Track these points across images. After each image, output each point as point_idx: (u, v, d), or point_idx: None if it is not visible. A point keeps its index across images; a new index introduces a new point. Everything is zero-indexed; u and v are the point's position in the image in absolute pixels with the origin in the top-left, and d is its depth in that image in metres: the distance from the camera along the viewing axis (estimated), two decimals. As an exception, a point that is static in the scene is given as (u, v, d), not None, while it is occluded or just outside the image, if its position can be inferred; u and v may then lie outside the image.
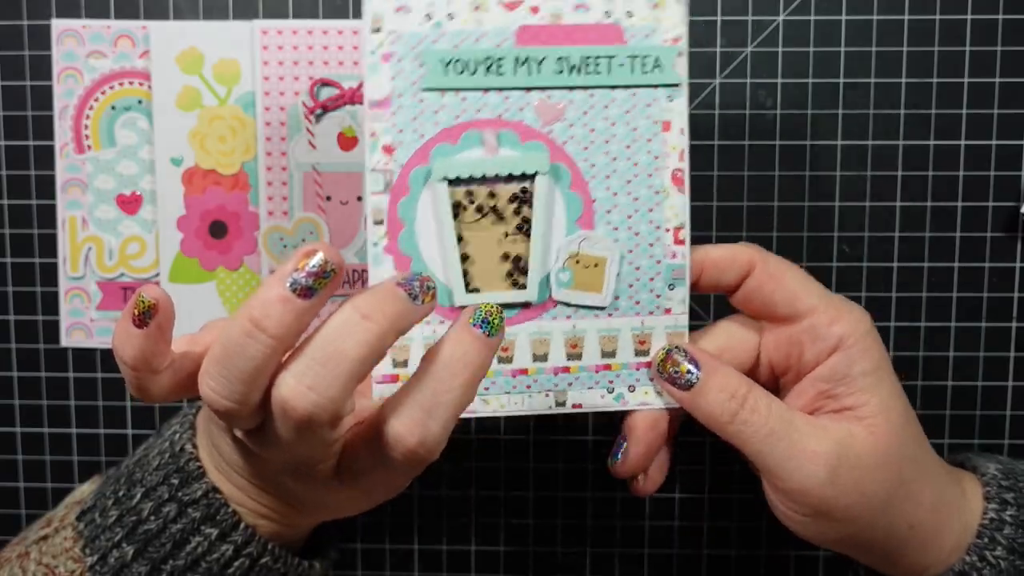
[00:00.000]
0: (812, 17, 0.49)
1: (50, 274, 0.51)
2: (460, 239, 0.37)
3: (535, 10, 0.37)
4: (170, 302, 0.33)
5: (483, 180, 0.37)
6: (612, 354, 0.39)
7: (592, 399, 0.39)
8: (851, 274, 0.50)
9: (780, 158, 0.49)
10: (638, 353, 0.39)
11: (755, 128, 0.49)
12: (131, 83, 0.50)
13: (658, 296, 0.38)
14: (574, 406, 0.39)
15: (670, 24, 0.37)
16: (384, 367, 0.37)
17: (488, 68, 0.36)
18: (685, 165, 0.38)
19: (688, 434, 0.51)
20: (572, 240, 0.38)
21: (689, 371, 0.37)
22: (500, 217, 0.38)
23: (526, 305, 0.38)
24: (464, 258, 0.37)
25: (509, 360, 0.38)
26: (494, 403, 0.38)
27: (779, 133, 0.49)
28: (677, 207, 0.38)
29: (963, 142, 0.49)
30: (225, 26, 0.50)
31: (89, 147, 0.51)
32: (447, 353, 0.33)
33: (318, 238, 0.50)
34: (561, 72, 0.37)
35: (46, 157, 0.51)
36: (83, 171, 0.51)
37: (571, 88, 0.37)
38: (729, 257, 0.38)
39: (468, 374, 0.33)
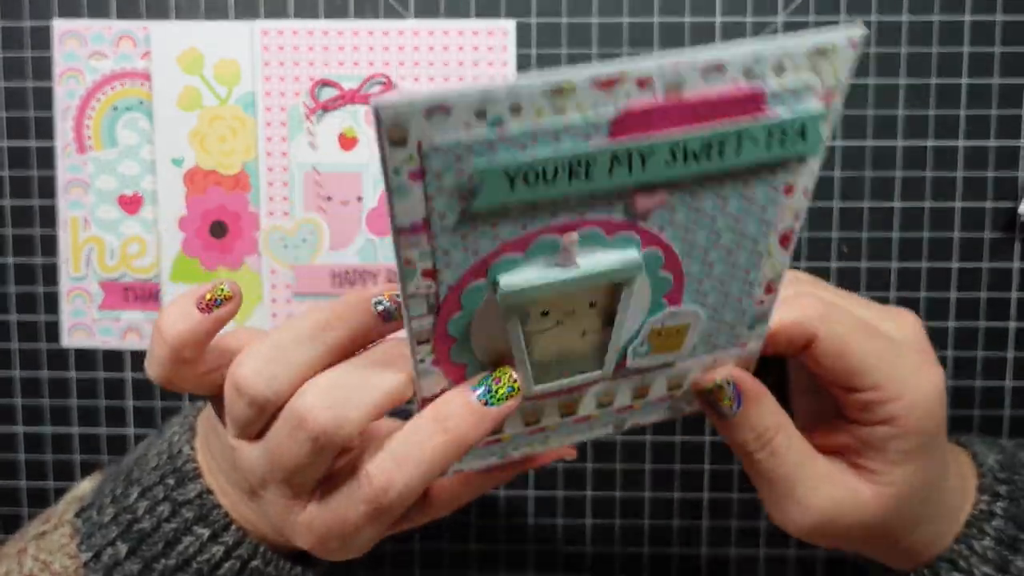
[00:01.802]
0: (812, 17, 0.49)
1: (52, 274, 0.52)
2: (528, 343, 0.31)
3: (644, 83, 0.25)
4: (239, 303, 0.34)
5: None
6: (678, 386, 0.36)
7: (649, 418, 0.37)
8: (851, 274, 0.50)
9: (779, 158, 0.49)
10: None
11: (755, 128, 0.49)
12: (132, 83, 0.50)
13: (737, 336, 0.34)
14: (632, 424, 0.37)
15: (831, 75, 0.27)
16: None
17: (572, 172, 0.26)
18: (798, 224, 0.30)
19: (688, 434, 0.51)
20: (657, 319, 0.32)
21: (730, 407, 0.35)
22: (576, 320, 0.31)
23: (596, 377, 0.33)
24: (532, 360, 0.31)
25: (573, 413, 0.35)
26: (553, 443, 0.36)
27: (778, 133, 0.49)
28: (777, 265, 0.32)
29: (961, 142, 0.49)
30: (225, 26, 0.50)
31: (90, 147, 0.51)
32: (434, 410, 0.32)
33: (319, 238, 0.50)
34: (673, 163, 0.26)
35: (47, 157, 0.51)
36: (84, 171, 0.51)
37: (682, 177, 0.27)
38: (788, 331, 0.35)
39: (445, 439, 0.31)
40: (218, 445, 0.38)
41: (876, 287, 0.50)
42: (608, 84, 0.24)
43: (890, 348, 0.35)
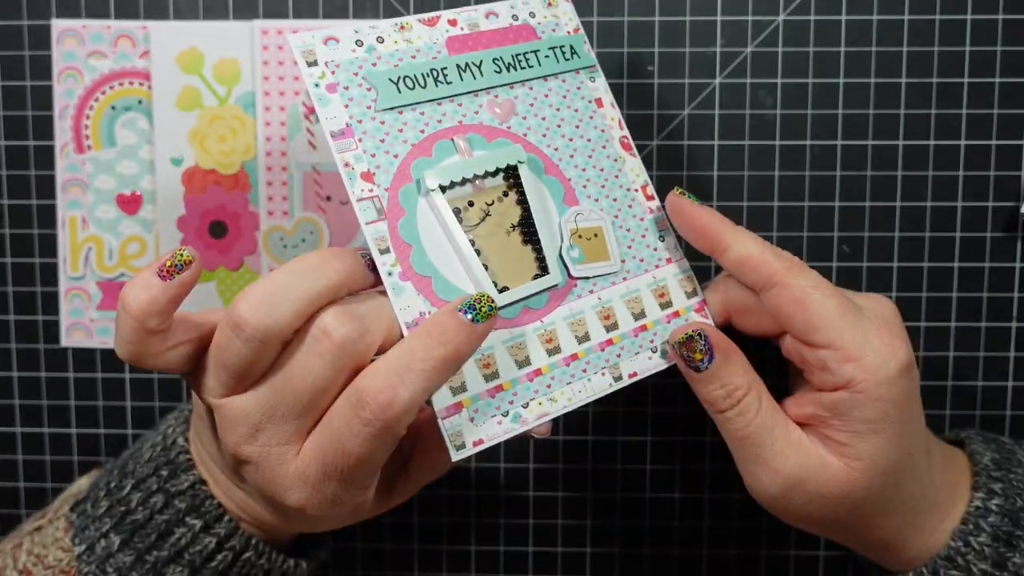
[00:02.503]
0: (812, 17, 0.49)
1: (50, 274, 0.51)
2: (472, 243, 0.37)
3: (453, 23, 0.40)
4: (199, 268, 0.34)
5: (473, 181, 0.38)
6: (642, 314, 0.40)
7: (643, 364, 0.40)
8: (851, 274, 0.50)
9: (780, 158, 0.49)
10: (663, 307, 0.41)
11: (755, 128, 0.49)
12: (131, 83, 0.50)
13: (655, 250, 0.41)
14: (630, 376, 0.39)
15: (566, 18, 0.42)
16: (443, 398, 0.36)
17: (436, 79, 0.38)
18: (626, 132, 0.42)
19: (688, 434, 0.51)
20: (567, 218, 0.39)
21: (702, 360, 0.37)
22: (500, 214, 0.38)
23: (553, 288, 0.38)
24: (487, 265, 0.37)
25: (558, 350, 0.38)
26: (561, 399, 0.38)
27: (779, 133, 0.49)
28: (636, 169, 0.42)
29: (963, 142, 0.49)
30: (225, 26, 0.50)
31: (89, 147, 0.51)
32: (427, 328, 0.33)
33: (318, 238, 0.50)
34: (500, 71, 0.40)
35: (46, 157, 0.51)
36: (83, 171, 0.51)
37: (512, 85, 0.40)
38: (755, 263, 0.37)
39: (445, 351, 0.33)
40: (204, 430, 0.38)
41: (877, 287, 0.50)
42: (431, 22, 0.39)
43: (851, 310, 0.36)
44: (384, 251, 0.35)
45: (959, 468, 0.40)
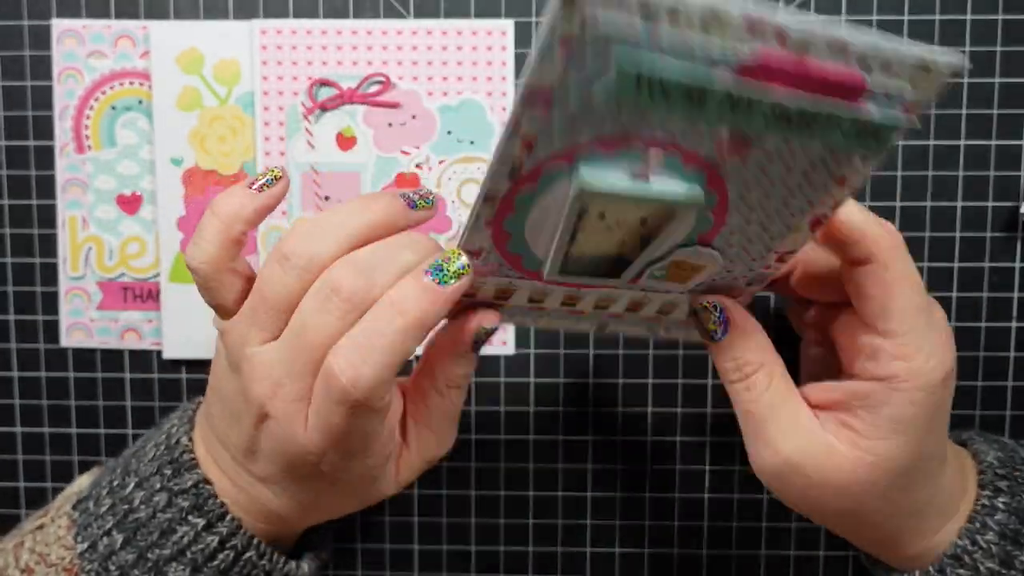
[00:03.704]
0: (812, 16, 0.49)
1: (50, 274, 0.52)
2: (573, 237, 0.33)
3: (780, 37, 0.27)
4: (287, 185, 0.37)
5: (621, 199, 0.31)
6: (666, 313, 0.39)
7: (633, 332, 0.40)
8: (851, 274, 0.50)
9: (780, 158, 0.49)
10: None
11: (755, 128, 0.49)
12: (131, 83, 0.50)
13: (734, 288, 0.38)
14: (611, 332, 0.39)
15: (921, 92, 0.28)
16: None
17: (689, 98, 0.28)
18: (831, 214, 0.33)
19: (688, 434, 0.51)
20: (684, 252, 0.34)
21: (715, 330, 0.37)
22: (622, 226, 0.33)
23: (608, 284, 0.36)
24: (569, 251, 0.34)
25: (572, 305, 0.38)
26: (543, 322, 0.38)
27: (779, 133, 0.49)
28: (799, 241, 0.34)
29: (963, 142, 0.49)
30: (225, 26, 0.50)
31: (89, 147, 0.51)
32: (389, 296, 0.33)
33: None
34: (770, 120, 0.29)
35: (46, 157, 0.51)
36: (83, 171, 0.51)
37: (771, 135, 0.29)
38: (855, 234, 0.35)
39: (404, 321, 0.32)
40: (217, 405, 0.38)
41: (877, 287, 0.50)
42: (755, 25, 0.27)
43: (926, 313, 0.36)
44: (489, 200, 0.32)
45: (965, 467, 0.40)
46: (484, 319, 0.37)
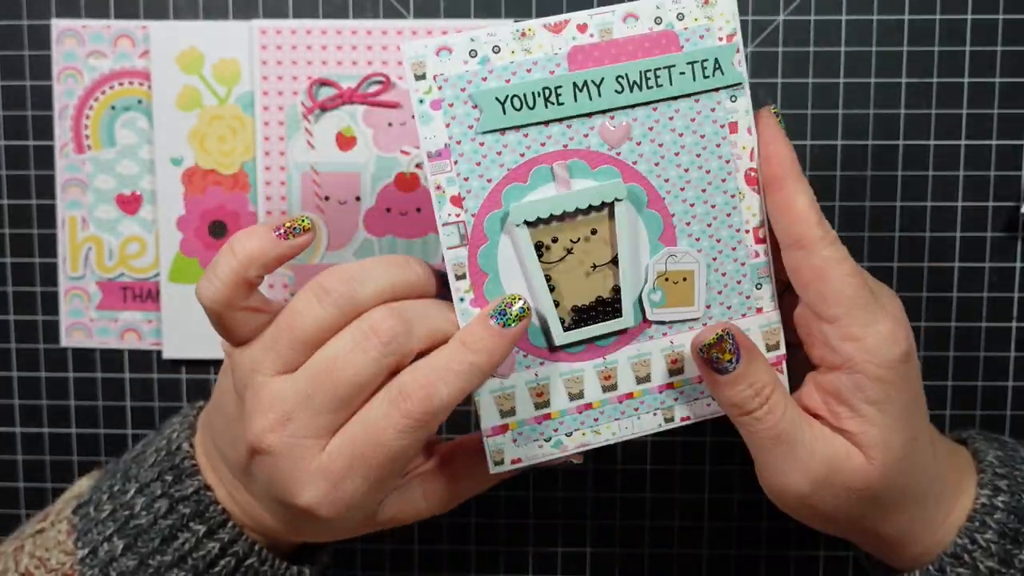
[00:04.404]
0: (812, 17, 0.49)
1: (50, 274, 0.52)
2: (548, 279, 0.36)
3: (583, 28, 0.35)
4: (313, 238, 0.36)
5: (562, 216, 0.36)
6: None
7: (699, 410, 0.39)
8: (851, 274, 0.50)
9: (780, 158, 0.49)
10: None
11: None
12: (131, 83, 0.50)
13: (747, 297, 0.38)
14: (682, 419, 0.39)
15: (723, 20, 0.36)
16: (492, 418, 0.37)
17: (547, 99, 0.35)
18: (756, 163, 0.37)
19: (687, 434, 0.51)
20: (658, 259, 0.37)
21: (730, 361, 0.36)
22: (585, 252, 0.36)
23: (623, 331, 0.37)
24: (555, 301, 0.36)
25: (614, 387, 0.38)
26: (605, 432, 0.38)
27: (779, 133, 0.49)
28: (754, 207, 0.37)
29: (963, 142, 0.49)
30: (225, 26, 0.50)
31: (89, 147, 0.51)
32: (462, 335, 0.35)
33: (317, 238, 0.50)
34: (621, 91, 0.35)
35: (46, 157, 0.51)
36: (83, 171, 0.51)
37: (633, 106, 0.35)
38: (796, 216, 0.36)
39: (477, 357, 0.34)
40: (219, 420, 0.38)
41: (877, 287, 0.50)
42: (557, 28, 0.35)
43: (865, 293, 0.36)
44: (460, 277, 0.35)
45: (963, 465, 0.40)
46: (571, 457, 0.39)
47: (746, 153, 0.37)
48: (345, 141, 0.50)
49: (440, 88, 0.34)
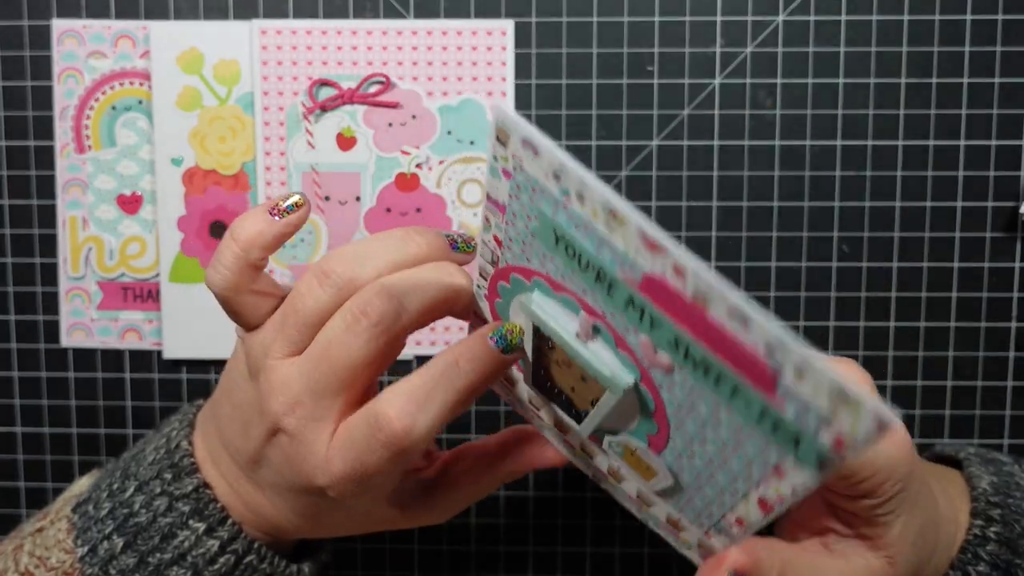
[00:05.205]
0: (812, 17, 0.49)
1: (50, 274, 0.52)
2: (539, 350, 0.34)
3: (679, 272, 0.25)
4: (308, 213, 0.36)
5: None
6: (649, 505, 0.36)
7: (622, 502, 0.38)
8: (851, 274, 0.50)
9: (780, 158, 0.49)
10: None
11: (755, 128, 0.49)
12: (131, 83, 0.50)
13: (709, 523, 0.34)
14: (604, 487, 0.38)
15: (845, 425, 0.24)
16: None
17: (598, 280, 0.28)
18: (781, 509, 0.29)
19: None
20: (633, 443, 0.33)
21: None
22: (573, 377, 0.34)
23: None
24: (540, 366, 0.35)
25: (565, 434, 0.37)
26: (566, 452, 0.38)
27: (779, 133, 0.49)
28: (751, 516, 0.31)
29: (963, 142, 0.49)
30: (225, 26, 0.50)
31: (89, 147, 0.51)
32: (456, 355, 0.34)
33: (316, 238, 0.50)
34: (675, 350, 0.27)
35: (46, 157, 0.51)
36: (83, 171, 0.51)
37: (681, 365, 0.28)
38: (878, 478, 0.34)
39: (469, 380, 0.34)
40: (226, 408, 0.38)
41: (876, 287, 0.50)
42: (652, 246, 0.25)
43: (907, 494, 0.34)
44: (483, 277, 0.35)
45: (957, 495, 0.40)
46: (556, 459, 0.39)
47: (775, 494, 0.29)
48: (345, 141, 0.50)
49: (515, 169, 0.29)
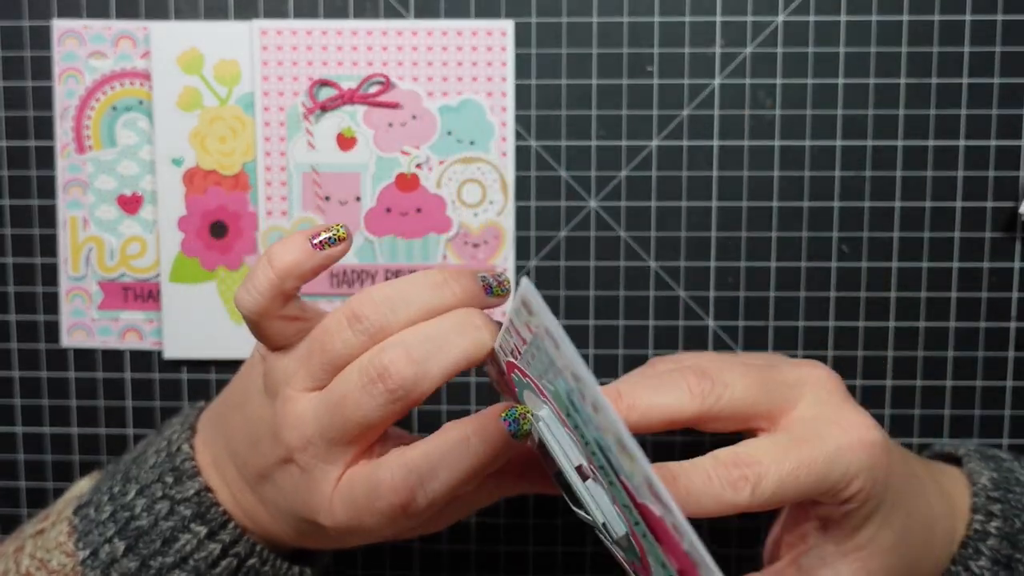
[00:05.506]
0: (812, 17, 0.49)
1: (51, 274, 0.52)
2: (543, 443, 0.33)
3: (676, 530, 0.26)
4: (349, 247, 0.35)
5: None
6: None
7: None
8: (851, 274, 0.50)
9: (780, 158, 0.49)
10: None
11: (755, 128, 0.49)
12: (132, 83, 0.50)
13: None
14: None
15: None
16: None
17: (600, 463, 0.29)
18: None
19: (687, 434, 0.51)
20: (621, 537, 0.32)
21: None
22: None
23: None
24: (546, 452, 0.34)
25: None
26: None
27: (779, 133, 0.49)
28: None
29: (962, 142, 0.49)
30: (225, 26, 0.50)
31: (90, 147, 0.51)
32: (465, 434, 0.33)
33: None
34: (663, 569, 0.29)
35: (47, 157, 0.51)
36: (84, 171, 0.51)
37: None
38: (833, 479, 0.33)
39: (479, 461, 0.33)
40: (236, 417, 0.38)
41: (876, 287, 0.50)
42: (653, 488, 0.26)
43: (824, 446, 0.33)
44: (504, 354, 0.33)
45: (956, 490, 0.40)
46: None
47: None
48: (345, 141, 0.50)
49: (537, 336, 0.29)
